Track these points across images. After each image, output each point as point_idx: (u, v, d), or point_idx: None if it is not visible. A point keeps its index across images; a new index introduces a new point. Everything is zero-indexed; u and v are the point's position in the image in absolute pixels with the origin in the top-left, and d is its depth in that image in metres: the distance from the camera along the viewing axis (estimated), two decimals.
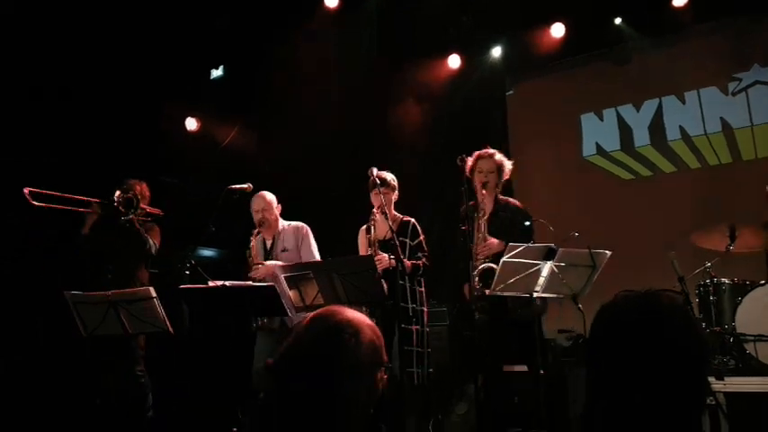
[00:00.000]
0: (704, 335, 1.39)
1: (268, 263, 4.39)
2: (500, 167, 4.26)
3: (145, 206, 4.76)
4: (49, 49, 5.48)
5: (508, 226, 4.12)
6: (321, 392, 1.49)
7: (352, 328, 1.55)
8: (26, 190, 4.23)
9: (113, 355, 4.36)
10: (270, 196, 4.60)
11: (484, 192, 4.17)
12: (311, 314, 1.65)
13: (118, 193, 4.39)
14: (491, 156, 4.26)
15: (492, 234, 4.08)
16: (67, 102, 5.73)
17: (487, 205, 4.19)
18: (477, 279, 3.94)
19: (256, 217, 4.52)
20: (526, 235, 4.08)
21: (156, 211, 4.86)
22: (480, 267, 3.96)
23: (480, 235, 4.08)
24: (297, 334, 1.62)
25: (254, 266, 4.37)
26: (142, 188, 4.86)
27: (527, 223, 4.16)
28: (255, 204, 4.55)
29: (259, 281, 4.20)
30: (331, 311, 1.61)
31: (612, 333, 1.38)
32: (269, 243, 4.61)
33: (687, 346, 1.33)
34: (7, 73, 5.34)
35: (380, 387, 1.60)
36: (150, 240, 4.58)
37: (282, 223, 4.63)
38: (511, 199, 4.41)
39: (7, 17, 5.19)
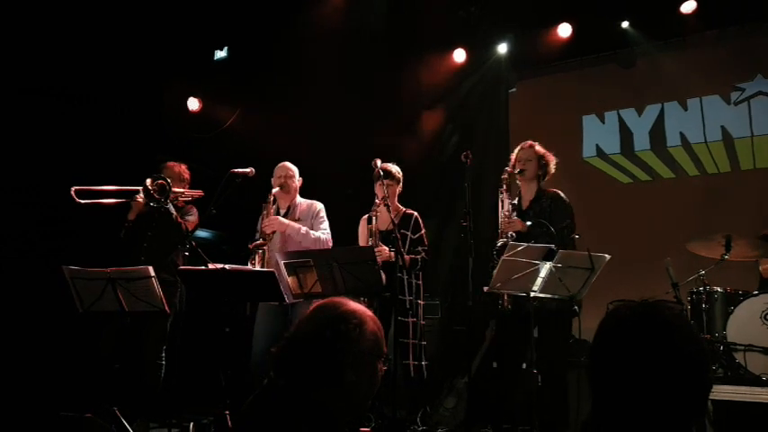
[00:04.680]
0: (705, 347, 1.40)
1: (280, 218, 4.38)
2: (539, 157, 4.29)
3: (183, 189, 4.61)
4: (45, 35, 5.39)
5: (547, 215, 4.10)
6: (324, 380, 1.52)
7: (357, 319, 1.58)
8: (72, 189, 4.12)
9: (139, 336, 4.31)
10: (294, 167, 4.62)
11: (520, 179, 4.26)
12: (315, 304, 1.67)
13: (149, 180, 4.23)
14: (531, 146, 4.33)
15: (530, 219, 4.11)
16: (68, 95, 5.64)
17: (527, 194, 4.28)
18: (495, 254, 3.96)
19: (278, 182, 4.49)
20: (561, 233, 3.98)
21: (196, 193, 4.68)
22: (500, 242, 3.98)
23: (505, 212, 4.14)
24: (300, 323, 1.65)
25: (265, 217, 4.33)
26: (181, 169, 4.74)
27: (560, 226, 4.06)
28: (279, 170, 4.57)
29: (264, 247, 4.22)
30: (335, 302, 1.64)
31: (615, 346, 1.39)
32: (282, 212, 4.57)
33: (689, 358, 1.34)
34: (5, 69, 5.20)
35: (379, 377, 1.63)
36: (184, 224, 4.45)
37: (299, 198, 4.64)
38: (559, 191, 4.30)
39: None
